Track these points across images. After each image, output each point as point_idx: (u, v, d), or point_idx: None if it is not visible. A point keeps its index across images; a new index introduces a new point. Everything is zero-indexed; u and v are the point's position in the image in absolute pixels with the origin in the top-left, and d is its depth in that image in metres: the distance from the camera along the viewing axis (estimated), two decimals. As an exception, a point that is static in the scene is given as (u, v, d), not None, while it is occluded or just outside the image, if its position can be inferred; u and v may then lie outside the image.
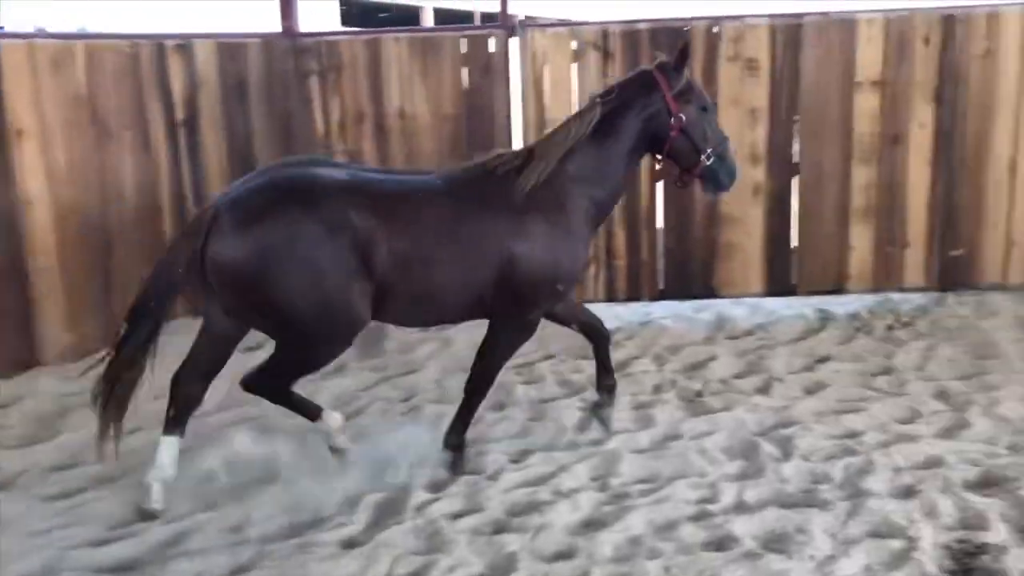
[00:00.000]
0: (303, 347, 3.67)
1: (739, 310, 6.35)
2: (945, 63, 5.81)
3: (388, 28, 7.11)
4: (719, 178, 4.03)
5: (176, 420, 3.74)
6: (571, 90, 6.01)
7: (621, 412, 4.68)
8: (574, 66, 6.00)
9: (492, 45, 6.02)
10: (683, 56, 3.91)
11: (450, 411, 4.19)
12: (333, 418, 3.95)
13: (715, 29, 5.87)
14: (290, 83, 6.15)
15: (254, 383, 3.75)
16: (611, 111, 3.85)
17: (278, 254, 3.47)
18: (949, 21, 5.77)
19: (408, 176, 3.98)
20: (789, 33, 5.86)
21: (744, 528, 3.49)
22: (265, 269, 3.48)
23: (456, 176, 3.88)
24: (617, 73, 5.89)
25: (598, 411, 4.43)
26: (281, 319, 3.58)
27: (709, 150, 3.95)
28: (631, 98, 3.89)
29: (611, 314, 6.05)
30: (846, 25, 5.82)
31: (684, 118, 3.88)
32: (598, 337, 4.35)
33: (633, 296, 6.25)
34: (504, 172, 3.80)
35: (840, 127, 5.92)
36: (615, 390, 4.45)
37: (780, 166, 5.95)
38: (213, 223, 3.52)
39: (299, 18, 6.21)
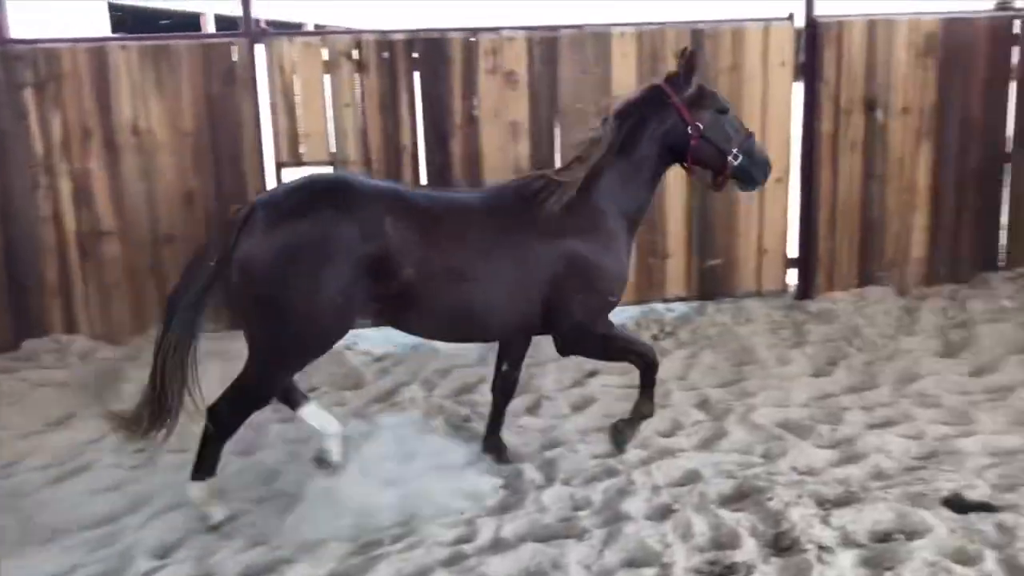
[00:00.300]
0: (284, 355, 3.59)
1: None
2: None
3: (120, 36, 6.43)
4: (752, 175, 4.05)
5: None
6: (325, 101, 5.67)
7: (388, 445, 4.37)
8: (327, 76, 5.66)
9: (235, 54, 5.57)
10: (690, 65, 3.90)
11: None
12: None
13: (472, 39, 5.71)
14: (0, 96, 5.43)
15: (219, 411, 3.59)
16: (628, 130, 3.89)
17: (306, 252, 3.44)
18: (698, 35, 5.90)
19: (446, 193, 4.06)
20: (546, 46, 5.80)
21: (498, 568, 3.27)
22: (289, 266, 3.43)
23: (493, 196, 3.92)
24: (372, 84, 5.62)
25: (620, 431, 4.25)
26: (285, 317, 3.47)
27: (735, 150, 3.96)
28: (645, 114, 3.92)
29: (382, 338, 5.77)
30: (601, 39, 5.83)
31: (701, 125, 3.91)
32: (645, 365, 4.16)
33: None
34: (540, 195, 3.81)
35: (600, 141, 5.90)
36: (648, 417, 4.25)
37: (544, 181, 5.84)
38: (246, 221, 3.50)
39: (8, 21, 5.49)
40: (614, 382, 5.25)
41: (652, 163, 3.96)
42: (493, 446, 4.25)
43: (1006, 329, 5.64)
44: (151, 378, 3.54)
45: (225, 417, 3.57)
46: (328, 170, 5.55)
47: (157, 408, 3.52)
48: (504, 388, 4.26)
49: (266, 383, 3.60)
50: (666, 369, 5.39)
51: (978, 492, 3.67)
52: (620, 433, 4.20)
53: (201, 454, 3.63)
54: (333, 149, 5.74)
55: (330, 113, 5.68)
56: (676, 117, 3.90)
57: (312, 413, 3.87)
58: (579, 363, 5.49)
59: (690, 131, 3.89)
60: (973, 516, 3.46)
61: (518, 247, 3.74)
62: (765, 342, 5.75)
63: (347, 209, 3.50)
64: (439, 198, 3.84)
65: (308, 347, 3.62)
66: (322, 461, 3.82)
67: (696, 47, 5.77)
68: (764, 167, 4.08)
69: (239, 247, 3.47)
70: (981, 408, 4.72)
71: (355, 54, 5.63)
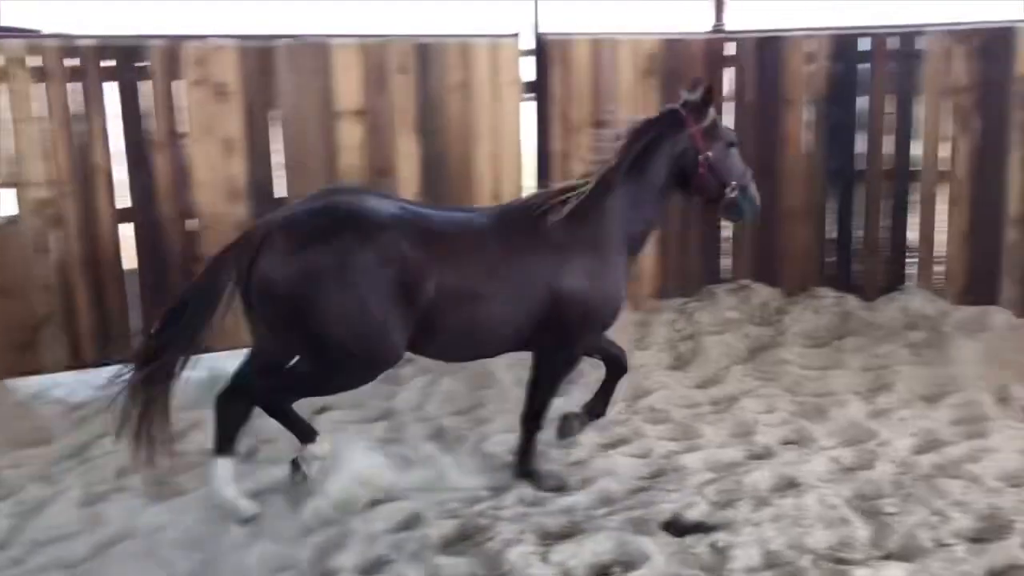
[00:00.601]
0: (333, 372, 3.69)
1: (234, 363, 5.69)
2: (424, 92, 5.71)
3: None
4: (742, 209, 4.21)
5: (227, 440, 3.76)
6: (-1, 115, 4.93)
7: (69, 511, 3.81)
8: (1, 87, 4.92)
9: None
10: (708, 95, 3.99)
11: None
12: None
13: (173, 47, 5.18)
14: None
15: (254, 388, 3.76)
16: (642, 151, 3.95)
17: (327, 278, 3.48)
18: (423, 51, 5.68)
19: (455, 212, 4.06)
20: (261, 57, 5.36)
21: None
22: (312, 292, 3.49)
23: (501, 214, 4.00)
24: (57, 96, 4.96)
25: (568, 422, 4.29)
26: (320, 343, 3.56)
27: (733, 183, 4.08)
28: (660, 137, 3.98)
29: (80, 382, 5.09)
30: (320, 50, 5.47)
31: (711, 155, 3.99)
32: (616, 368, 4.34)
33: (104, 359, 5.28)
34: (542, 212, 3.86)
35: (325, 160, 5.54)
36: (595, 419, 4.37)
37: (262, 203, 5.38)
38: (265, 241, 3.53)
39: None
40: (348, 417, 4.90)
41: (660, 185, 4.04)
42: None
43: (730, 339, 5.84)
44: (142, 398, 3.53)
45: (269, 401, 3.81)
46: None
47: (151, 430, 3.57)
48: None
49: (321, 390, 3.94)
50: (403, 399, 5.13)
51: (697, 511, 3.65)
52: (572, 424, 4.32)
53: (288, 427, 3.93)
54: (14, 168, 5.00)
55: (9, 128, 4.94)
56: (689, 143, 4.00)
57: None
58: (310, 401, 5.09)
59: (700, 159, 4.00)
60: (689, 539, 3.41)
61: (523, 263, 3.81)
62: (504, 363, 5.61)
63: (367, 234, 3.55)
64: (452, 219, 3.90)
65: (348, 371, 3.71)
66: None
67: (423, 63, 5.63)
68: (754, 204, 4.25)
69: (259, 267, 3.52)
70: (706, 420, 4.80)
71: (34, 61, 4.93)
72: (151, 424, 3.55)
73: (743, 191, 4.16)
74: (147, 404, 3.53)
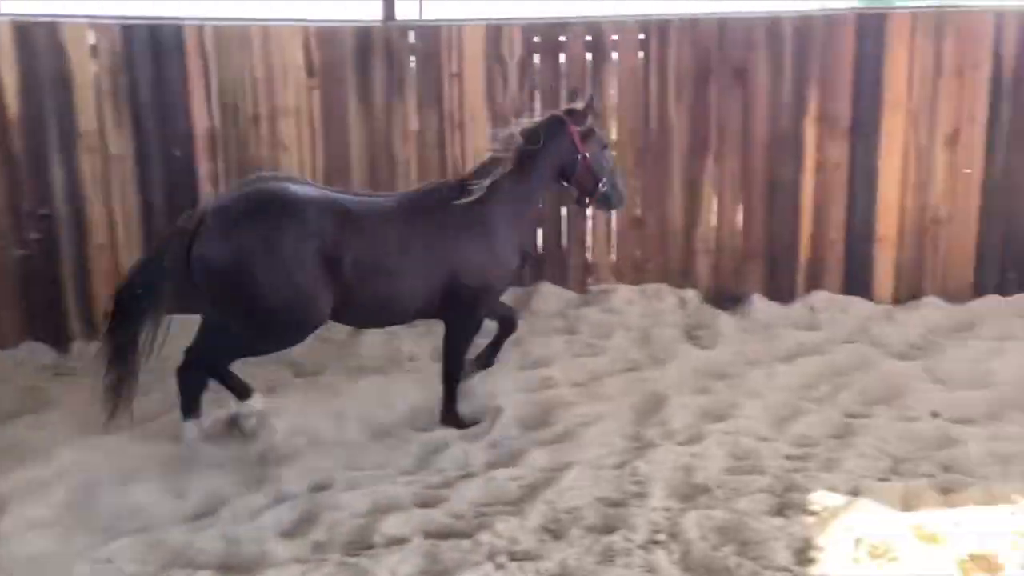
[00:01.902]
0: (266, 335, 4.23)
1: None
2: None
3: None
4: (611, 201, 4.88)
5: (191, 405, 4.29)
6: None
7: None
8: None
9: None
10: (589, 106, 4.70)
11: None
12: (257, 401, 4.39)
13: None
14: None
15: (194, 358, 4.25)
16: (529, 149, 4.54)
17: (256, 254, 4.00)
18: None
19: (367, 197, 4.60)
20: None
21: None
22: (243, 266, 4.00)
23: (406, 199, 4.55)
24: None
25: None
26: (252, 311, 4.08)
27: (605, 178, 4.73)
28: (546, 138, 4.58)
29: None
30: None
31: (588, 155, 4.65)
32: (508, 324, 4.90)
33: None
34: (444, 197, 4.46)
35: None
36: (483, 369, 4.87)
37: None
38: (200, 225, 4.03)
39: None
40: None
41: (544, 177, 4.69)
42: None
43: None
44: (107, 366, 4.06)
45: (210, 366, 4.29)
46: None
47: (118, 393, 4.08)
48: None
49: (251, 352, 4.32)
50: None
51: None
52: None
53: (182, 393, 4.27)
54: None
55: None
56: (570, 144, 4.63)
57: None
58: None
59: (579, 159, 4.64)
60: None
61: (427, 242, 4.36)
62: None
63: (290, 213, 4.08)
64: (364, 202, 4.41)
65: (281, 335, 4.26)
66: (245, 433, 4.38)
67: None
68: (621, 195, 4.93)
69: (195, 250, 4.02)
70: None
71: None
72: (119, 391, 4.09)
73: (612, 185, 4.80)
74: (115, 377, 4.07)
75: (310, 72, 5.96)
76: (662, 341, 5.68)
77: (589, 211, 5.87)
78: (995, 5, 6.02)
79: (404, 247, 4.31)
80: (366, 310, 4.38)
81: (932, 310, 6.01)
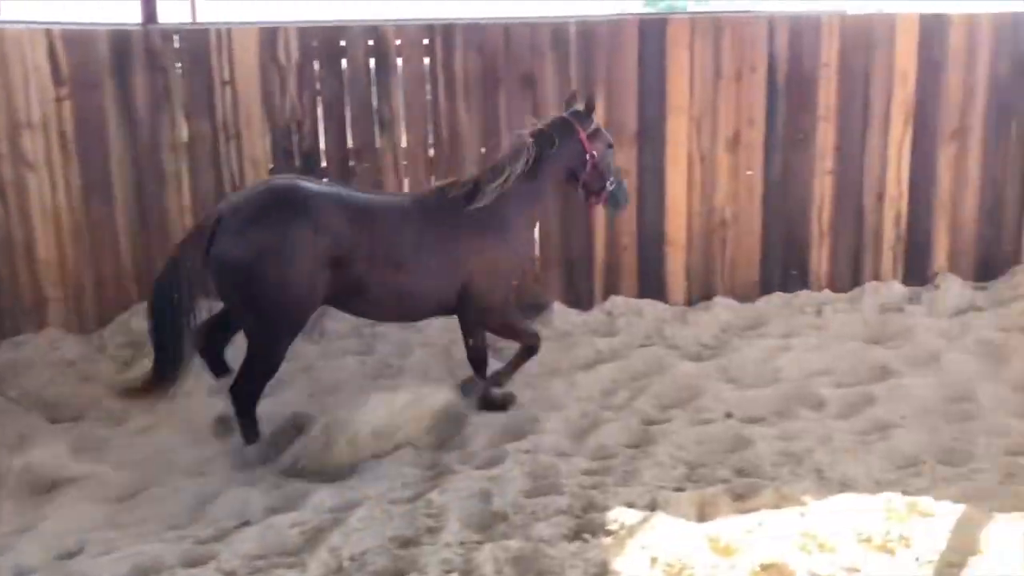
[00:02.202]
0: (272, 338, 4.26)
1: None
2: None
3: None
4: (619, 199, 5.01)
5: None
6: None
7: None
8: None
9: None
10: (590, 106, 4.84)
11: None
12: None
13: None
14: None
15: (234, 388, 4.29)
16: (540, 148, 4.69)
17: (269, 253, 4.08)
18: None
19: (381, 195, 4.89)
20: None
21: None
22: (257, 265, 4.09)
23: (422, 198, 4.65)
24: None
25: (474, 383, 4.85)
26: (263, 309, 4.17)
27: (611, 178, 4.88)
28: (555, 140, 4.71)
29: None
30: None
31: (596, 154, 4.79)
32: (528, 348, 4.97)
33: None
34: (458, 196, 4.56)
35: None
36: (494, 386, 4.89)
37: None
38: (216, 226, 4.14)
39: None
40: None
41: (553, 178, 4.83)
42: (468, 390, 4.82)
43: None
44: (156, 348, 4.19)
45: (244, 393, 4.26)
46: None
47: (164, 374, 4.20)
48: (474, 360, 4.87)
49: (269, 356, 4.28)
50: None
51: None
52: (481, 388, 4.83)
53: (242, 427, 4.29)
54: None
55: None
56: (579, 146, 4.76)
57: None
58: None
59: (587, 158, 4.78)
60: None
61: (443, 242, 4.48)
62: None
63: (303, 212, 4.17)
64: (377, 199, 4.58)
65: (287, 326, 4.28)
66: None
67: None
68: (626, 195, 5.10)
69: (213, 249, 4.11)
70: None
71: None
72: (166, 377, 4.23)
73: (619, 185, 4.96)
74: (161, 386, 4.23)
75: (58, 81, 5.34)
76: (463, 357, 5.46)
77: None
78: (767, 10, 6.23)
79: (419, 245, 4.42)
80: (380, 306, 4.53)
81: (723, 310, 6.13)
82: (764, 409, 4.81)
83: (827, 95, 6.17)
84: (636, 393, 5.04)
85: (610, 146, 4.94)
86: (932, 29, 6.17)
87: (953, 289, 6.22)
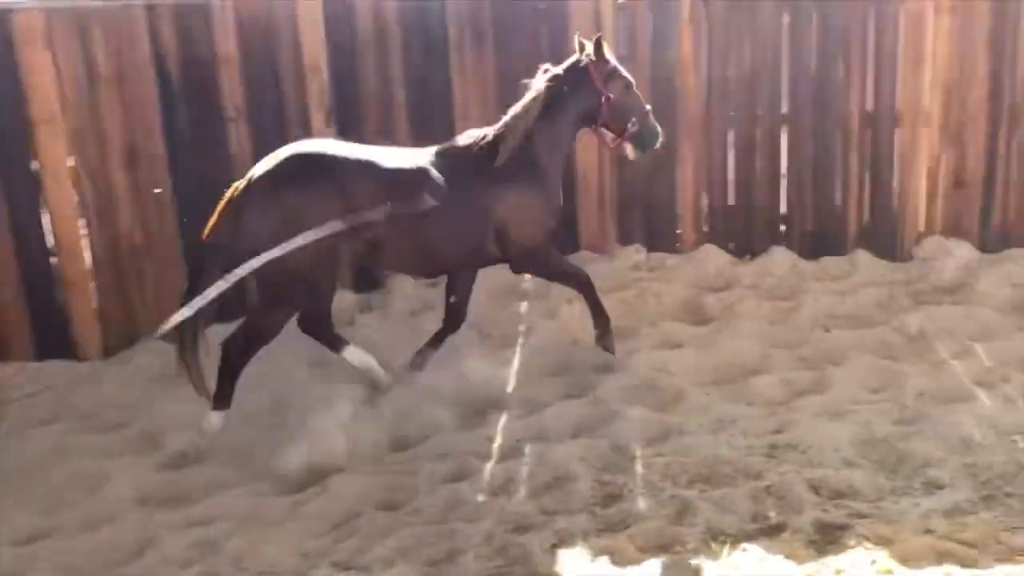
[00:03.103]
0: (281, 302, 4.28)
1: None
2: None
3: None
4: (645, 140, 4.89)
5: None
6: None
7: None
8: None
9: None
10: (599, 47, 4.73)
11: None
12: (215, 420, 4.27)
13: None
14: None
15: (231, 345, 4.26)
16: (556, 93, 4.65)
17: (298, 216, 4.09)
18: None
19: (404, 149, 4.72)
20: None
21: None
22: (281, 234, 4.05)
23: (447, 151, 4.60)
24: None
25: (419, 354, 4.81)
26: (275, 272, 4.08)
27: (634, 119, 4.79)
28: (568, 83, 4.69)
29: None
30: None
31: (612, 96, 4.72)
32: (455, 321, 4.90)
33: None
34: (484, 148, 4.58)
35: None
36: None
37: None
38: (245, 194, 4.13)
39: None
40: None
41: (572, 120, 4.80)
42: (419, 361, 4.77)
43: None
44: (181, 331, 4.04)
45: (235, 352, 4.22)
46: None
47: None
48: (452, 320, 4.86)
49: (269, 324, 4.25)
50: None
51: None
52: (603, 342, 4.90)
53: (219, 386, 4.22)
54: None
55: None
56: (593, 87, 4.71)
57: (353, 353, 4.57)
58: None
59: (603, 100, 4.71)
60: None
61: (471, 191, 4.47)
62: None
63: (329, 175, 4.19)
64: (400, 156, 4.48)
65: (299, 295, 4.29)
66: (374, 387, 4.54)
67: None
68: (655, 135, 4.89)
69: (243, 217, 4.09)
70: None
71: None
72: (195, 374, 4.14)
73: (643, 124, 4.83)
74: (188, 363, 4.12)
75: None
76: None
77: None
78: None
79: (446, 198, 4.36)
80: (407, 258, 4.52)
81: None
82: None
83: (233, 94, 5.44)
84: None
85: (628, 87, 4.81)
86: (339, 16, 5.72)
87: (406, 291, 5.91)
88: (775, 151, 6.11)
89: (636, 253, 6.18)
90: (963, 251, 5.94)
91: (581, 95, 4.73)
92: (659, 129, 4.93)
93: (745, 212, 6.17)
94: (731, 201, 6.19)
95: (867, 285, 5.70)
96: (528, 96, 4.66)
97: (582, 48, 4.77)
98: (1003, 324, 5.17)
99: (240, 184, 4.17)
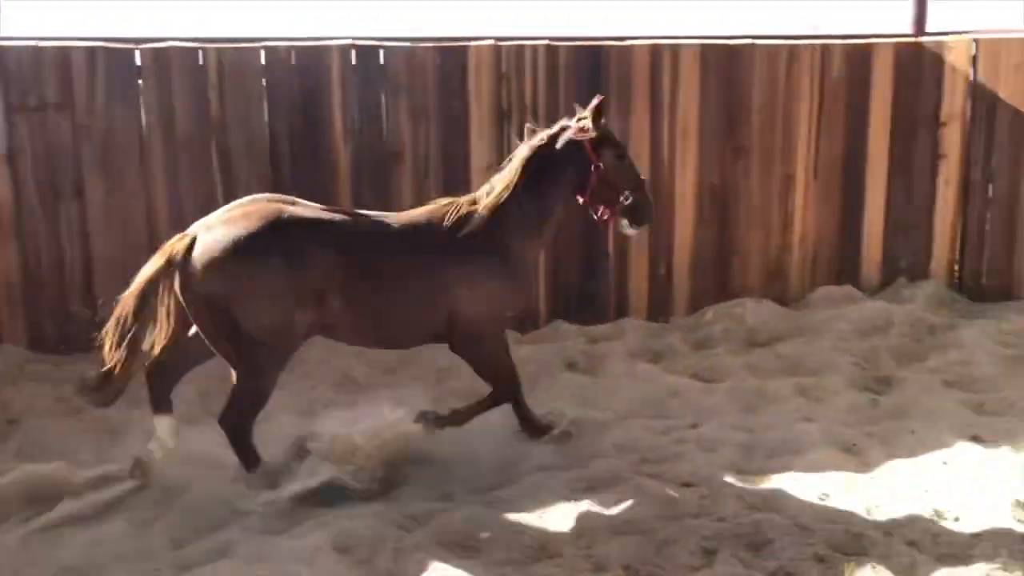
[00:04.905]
0: (259, 371, 4.03)
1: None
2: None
3: None
4: (637, 215, 4.47)
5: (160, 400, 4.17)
6: None
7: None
8: None
9: None
10: (598, 112, 4.34)
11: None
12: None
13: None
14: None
15: (224, 420, 4.06)
16: (541, 161, 4.31)
17: (247, 281, 3.90)
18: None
19: (367, 216, 4.36)
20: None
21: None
22: (234, 293, 3.89)
23: (410, 220, 4.32)
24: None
25: (426, 416, 4.46)
26: (245, 338, 3.93)
27: (626, 191, 4.40)
28: (554, 151, 4.33)
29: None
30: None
31: (602, 165, 4.34)
32: (496, 396, 4.52)
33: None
34: (453, 218, 4.25)
35: None
36: (445, 427, 4.45)
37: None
38: (189, 251, 3.91)
39: None
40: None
41: (557, 191, 4.38)
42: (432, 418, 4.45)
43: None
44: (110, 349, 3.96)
45: (236, 427, 4.03)
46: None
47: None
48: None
49: (257, 389, 4.05)
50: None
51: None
52: (540, 436, 4.52)
53: (240, 457, 4.05)
54: None
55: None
56: (583, 154, 4.32)
57: (163, 424, 4.14)
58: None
59: (592, 169, 4.32)
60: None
61: (430, 267, 4.20)
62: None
63: (282, 241, 3.94)
64: (361, 223, 4.25)
65: (273, 359, 4.05)
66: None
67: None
68: (648, 210, 4.52)
69: (185, 274, 3.87)
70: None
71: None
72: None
73: (637, 199, 4.43)
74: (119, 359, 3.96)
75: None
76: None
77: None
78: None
79: (405, 271, 4.18)
80: (360, 330, 4.26)
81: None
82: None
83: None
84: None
85: (621, 156, 4.43)
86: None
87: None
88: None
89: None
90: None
91: (571, 164, 4.36)
92: (651, 202, 4.59)
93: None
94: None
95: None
96: (513, 162, 4.37)
97: (573, 111, 4.44)
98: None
99: (187, 235, 3.98)
